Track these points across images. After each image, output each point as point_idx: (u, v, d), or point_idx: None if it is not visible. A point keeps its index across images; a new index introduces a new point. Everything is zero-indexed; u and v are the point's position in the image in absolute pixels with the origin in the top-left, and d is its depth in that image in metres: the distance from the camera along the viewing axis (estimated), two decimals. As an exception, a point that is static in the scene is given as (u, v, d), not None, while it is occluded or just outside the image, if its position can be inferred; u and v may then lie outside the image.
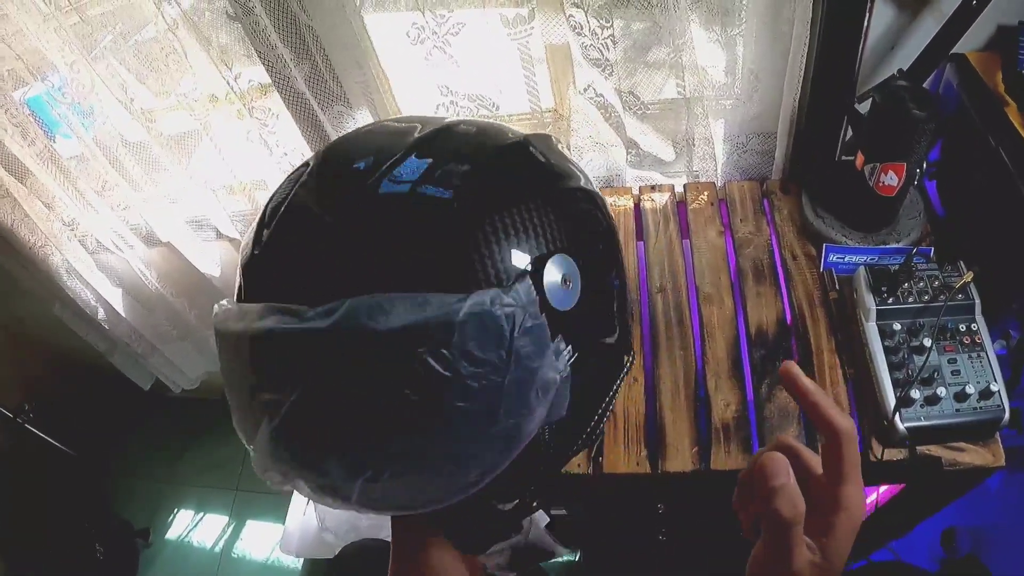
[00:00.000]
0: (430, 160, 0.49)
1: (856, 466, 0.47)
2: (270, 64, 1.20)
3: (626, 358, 0.61)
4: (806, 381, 0.48)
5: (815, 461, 0.49)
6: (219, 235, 1.64)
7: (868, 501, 1.42)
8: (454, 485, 0.49)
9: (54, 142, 1.51)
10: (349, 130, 1.25)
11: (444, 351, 0.42)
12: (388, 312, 0.42)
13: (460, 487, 0.49)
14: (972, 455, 0.98)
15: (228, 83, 1.24)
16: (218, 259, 1.71)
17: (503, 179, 0.51)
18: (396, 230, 0.46)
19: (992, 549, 1.66)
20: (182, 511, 2.57)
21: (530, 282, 0.46)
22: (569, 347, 0.49)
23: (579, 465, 1.05)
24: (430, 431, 0.46)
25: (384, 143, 0.52)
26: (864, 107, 1.15)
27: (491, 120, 0.59)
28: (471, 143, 0.54)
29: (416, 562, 0.60)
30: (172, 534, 2.51)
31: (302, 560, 2.26)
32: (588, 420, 0.57)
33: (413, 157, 0.49)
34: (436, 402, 0.44)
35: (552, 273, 0.48)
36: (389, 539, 0.65)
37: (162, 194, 1.56)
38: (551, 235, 0.49)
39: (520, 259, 0.47)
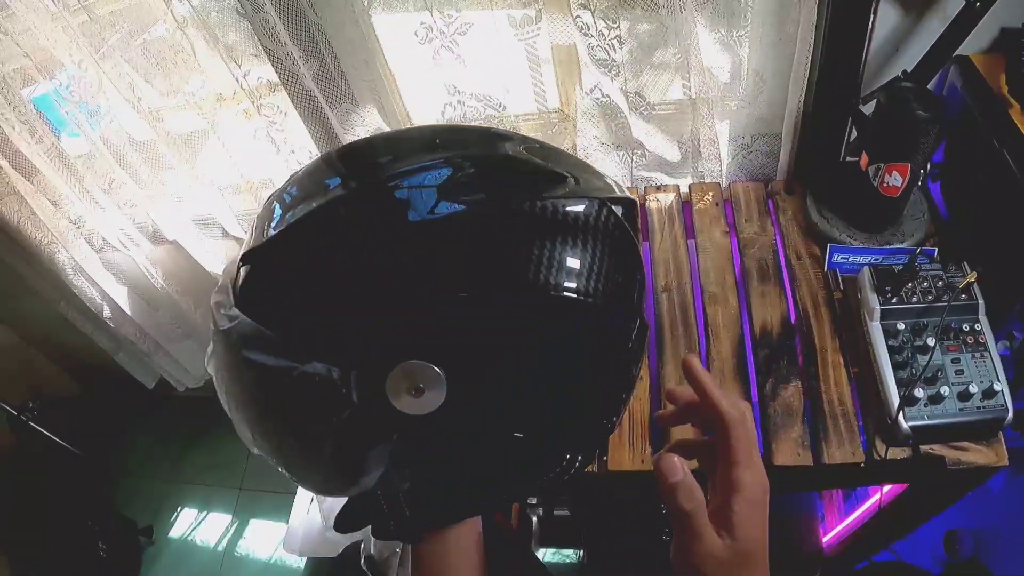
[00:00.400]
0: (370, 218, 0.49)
1: (747, 449, 0.50)
2: (278, 61, 1.20)
3: (565, 458, 0.56)
4: (701, 372, 0.53)
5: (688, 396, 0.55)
6: (225, 234, 1.64)
7: (871, 502, 1.43)
8: (310, 484, 0.56)
9: (60, 140, 1.51)
10: (356, 128, 1.26)
11: (280, 400, 0.49)
12: (255, 346, 0.48)
13: (317, 488, 0.56)
14: (975, 454, 0.99)
15: (237, 80, 1.24)
16: (224, 258, 1.71)
17: (406, 261, 0.47)
18: (301, 271, 0.49)
19: (995, 552, 1.67)
20: (185, 509, 2.57)
21: (367, 376, 0.46)
22: (408, 445, 0.48)
23: (584, 463, 1.06)
24: (273, 442, 0.54)
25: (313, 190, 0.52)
26: (868, 108, 1.16)
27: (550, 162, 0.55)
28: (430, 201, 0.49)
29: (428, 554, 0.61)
30: (175, 532, 2.52)
31: (305, 559, 2.26)
32: (477, 502, 0.57)
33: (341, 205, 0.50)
34: (276, 429, 0.53)
35: (396, 379, 0.45)
36: (392, 540, 0.68)
37: (169, 192, 1.56)
38: (413, 339, 0.46)
39: (372, 350, 0.46)
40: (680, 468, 0.49)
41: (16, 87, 1.38)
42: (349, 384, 0.45)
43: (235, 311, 0.48)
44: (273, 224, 0.50)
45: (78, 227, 1.72)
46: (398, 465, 0.49)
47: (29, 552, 2.46)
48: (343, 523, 0.57)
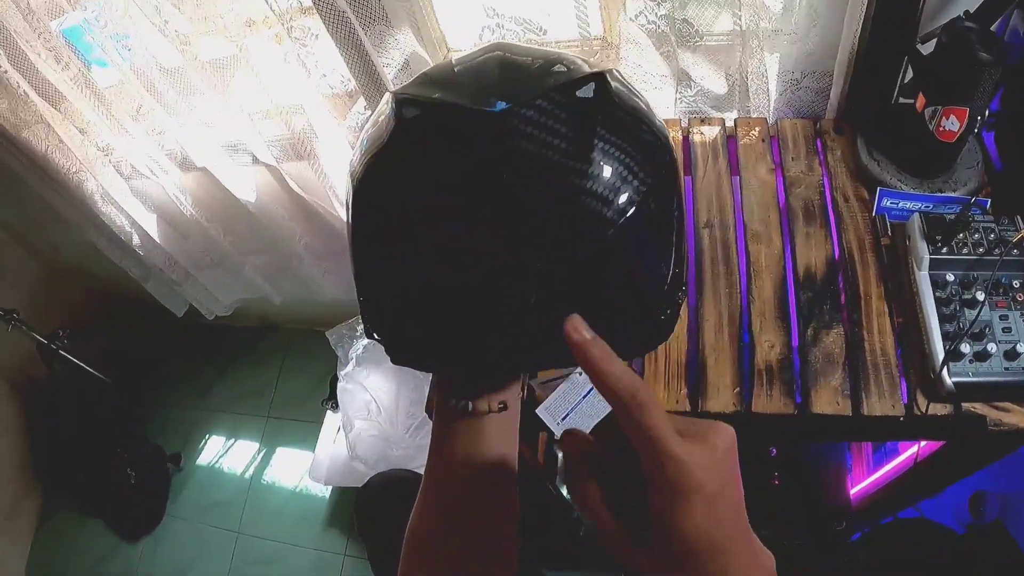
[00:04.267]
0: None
1: (656, 440, 0.39)
2: (311, -20, 1.17)
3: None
4: (578, 336, 0.40)
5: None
6: (255, 160, 1.62)
7: (903, 456, 1.40)
8: None
9: (91, 71, 1.50)
10: (391, 51, 1.22)
11: None
12: None
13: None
14: (1018, 416, 0.95)
15: (267, 1, 1.21)
16: (254, 185, 1.70)
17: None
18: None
19: (1020, 517, 1.64)
20: (213, 437, 2.62)
21: None
22: None
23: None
24: None
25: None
26: (925, 50, 1.10)
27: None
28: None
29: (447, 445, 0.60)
30: (203, 460, 2.58)
31: (330, 488, 2.30)
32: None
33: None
34: None
35: None
36: (418, 470, 0.67)
37: (198, 119, 1.55)
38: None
39: None
40: (581, 438, 0.45)
41: (42, 16, 1.36)
42: None
43: None
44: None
45: (106, 155, 1.72)
46: None
47: (61, 479, 2.53)
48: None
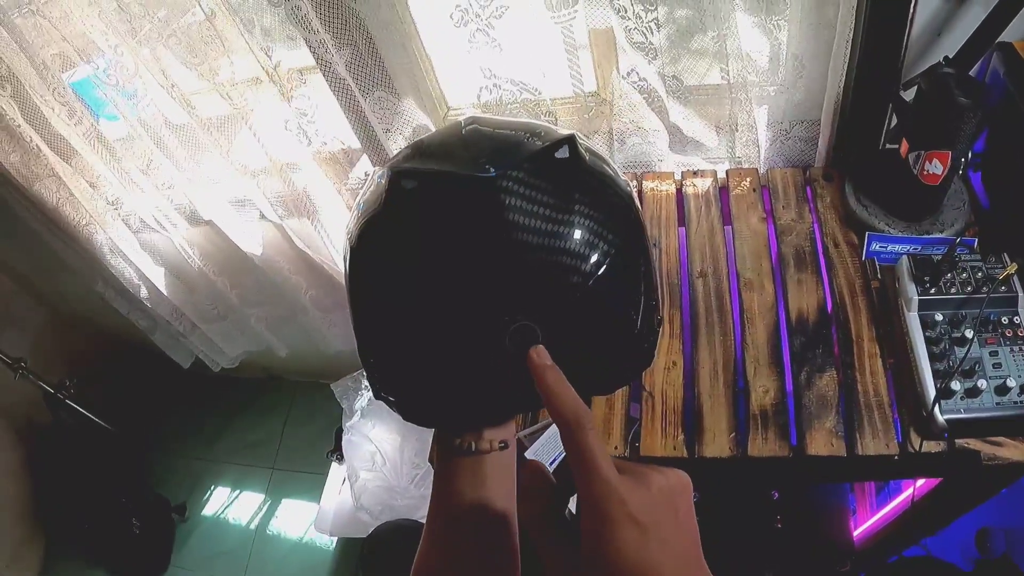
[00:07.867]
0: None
1: (590, 462, 0.41)
2: (313, 48, 1.21)
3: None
4: (539, 360, 0.48)
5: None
6: (262, 216, 1.66)
7: (904, 496, 1.41)
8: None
9: (99, 123, 1.53)
10: (392, 118, 1.26)
11: None
12: None
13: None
14: (1011, 450, 0.97)
15: (267, 72, 1.26)
16: (261, 239, 1.73)
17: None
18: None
19: (1028, 552, 1.64)
20: (218, 488, 2.61)
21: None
22: None
23: (616, 448, 1.06)
24: None
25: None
26: (909, 95, 1.14)
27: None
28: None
29: (451, 490, 0.62)
30: (208, 511, 2.57)
31: (335, 540, 2.29)
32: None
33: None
34: None
35: None
36: (422, 520, 0.68)
37: (205, 174, 1.58)
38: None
39: None
40: (536, 467, 0.47)
41: (56, 71, 1.39)
42: None
43: None
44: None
45: (116, 208, 1.74)
46: None
47: (64, 528, 2.52)
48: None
